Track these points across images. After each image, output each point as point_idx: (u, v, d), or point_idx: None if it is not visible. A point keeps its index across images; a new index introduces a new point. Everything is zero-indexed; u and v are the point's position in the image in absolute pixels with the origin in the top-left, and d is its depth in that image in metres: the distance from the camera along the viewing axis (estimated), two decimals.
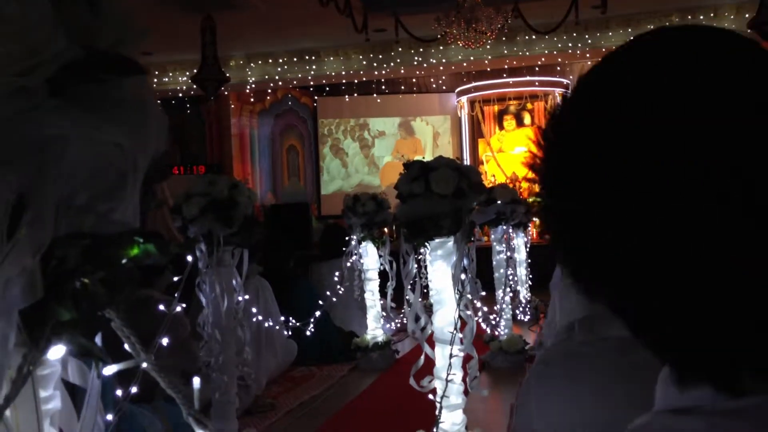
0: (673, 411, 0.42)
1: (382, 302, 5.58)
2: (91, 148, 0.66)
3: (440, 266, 3.09)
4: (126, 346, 0.83)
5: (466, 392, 3.03)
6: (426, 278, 6.47)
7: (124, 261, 0.73)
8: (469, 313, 2.97)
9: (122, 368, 0.84)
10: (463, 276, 2.96)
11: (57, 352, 0.62)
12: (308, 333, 5.33)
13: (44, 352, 0.64)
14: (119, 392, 0.75)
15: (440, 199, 2.95)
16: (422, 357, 3.04)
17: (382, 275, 5.58)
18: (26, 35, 0.63)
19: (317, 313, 5.43)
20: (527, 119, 12.59)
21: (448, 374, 2.81)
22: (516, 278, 6.31)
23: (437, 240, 3.05)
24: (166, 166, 0.74)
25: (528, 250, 6.99)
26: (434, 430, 2.71)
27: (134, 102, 0.71)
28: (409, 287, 3.18)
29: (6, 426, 0.64)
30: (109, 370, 0.84)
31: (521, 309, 6.48)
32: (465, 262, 3.01)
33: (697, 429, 0.40)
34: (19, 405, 0.66)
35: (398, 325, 6.62)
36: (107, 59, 0.70)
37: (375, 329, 5.49)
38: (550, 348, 1.87)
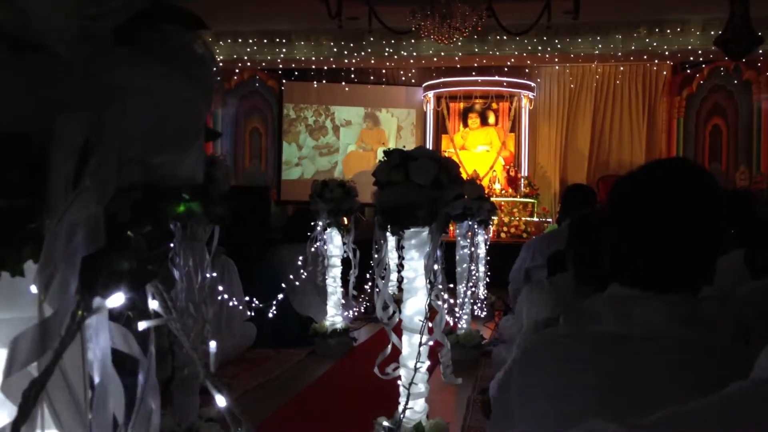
0: None
1: (342, 290, 5.58)
2: (155, 99, 0.66)
3: (413, 256, 3.11)
4: (151, 303, 0.83)
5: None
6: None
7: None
8: (439, 303, 2.99)
9: (155, 324, 0.84)
10: (436, 267, 2.98)
11: (116, 300, 0.62)
12: (270, 315, 5.31)
13: (101, 298, 0.64)
14: None
15: (418, 189, 2.96)
16: (389, 345, 3.03)
17: (345, 262, 5.58)
18: None
19: (279, 296, 5.41)
20: (491, 119, 12.69)
21: (417, 362, 2.83)
22: (477, 274, 6.38)
23: (412, 229, 3.06)
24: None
25: (487, 247, 7.09)
26: (402, 416, 2.73)
27: (198, 55, 0.71)
28: (380, 276, 3.17)
29: (60, 369, 0.64)
30: (143, 324, 0.83)
31: (479, 305, 6.56)
32: (438, 253, 3.03)
33: None
34: (66, 353, 0.66)
35: (356, 313, 6.64)
36: (172, 11, 0.70)
37: (334, 316, 5.49)
38: (531, 338, 1.89)
